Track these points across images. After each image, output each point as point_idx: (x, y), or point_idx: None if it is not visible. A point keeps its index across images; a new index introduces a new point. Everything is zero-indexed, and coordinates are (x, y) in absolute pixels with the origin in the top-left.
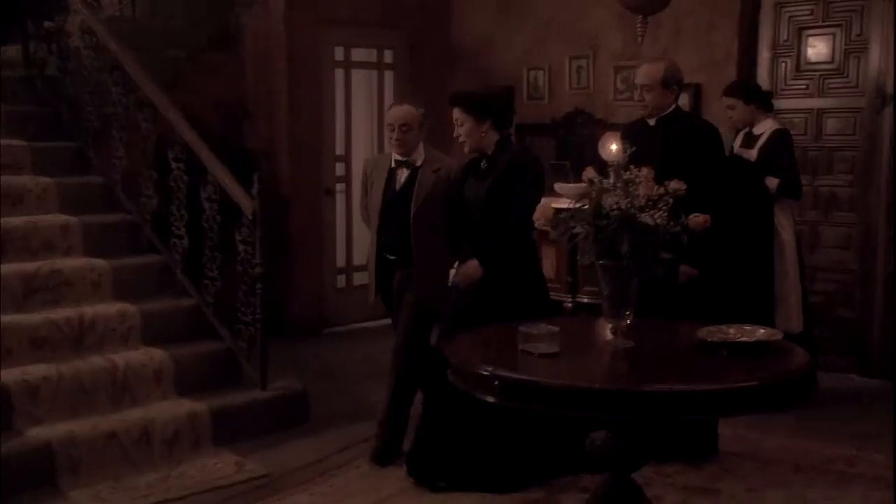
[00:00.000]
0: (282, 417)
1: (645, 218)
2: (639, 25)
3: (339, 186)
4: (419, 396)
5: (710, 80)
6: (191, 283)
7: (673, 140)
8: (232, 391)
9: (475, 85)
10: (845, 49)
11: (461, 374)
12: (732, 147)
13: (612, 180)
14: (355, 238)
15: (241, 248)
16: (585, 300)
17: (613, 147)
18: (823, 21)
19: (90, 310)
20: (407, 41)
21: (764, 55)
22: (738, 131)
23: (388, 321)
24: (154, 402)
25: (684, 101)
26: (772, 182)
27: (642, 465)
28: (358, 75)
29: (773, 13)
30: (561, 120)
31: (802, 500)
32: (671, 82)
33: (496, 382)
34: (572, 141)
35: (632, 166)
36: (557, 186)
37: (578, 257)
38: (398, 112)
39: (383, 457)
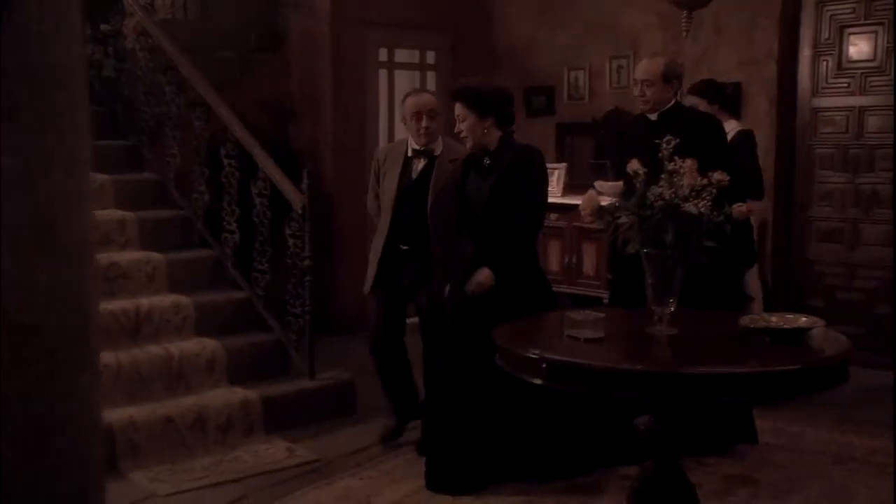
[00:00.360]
0: (329, 407)
1: (689, 207)
2: (684, 21)
3: None
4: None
5: (750, 78)
6: (241, 276)
7: (676, 134)
8: (281, 381)
9: (517, 85)
10: (887, 47)
11: (508, 357)
12: None
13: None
14: None
15: (290, 241)
16: None
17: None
18: (865, 19)
19: (146, 301)
20: (449, 42)
21: (805, 53)
22: None
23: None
24: (207, 389)
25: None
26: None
27: (686, 451)
28: (401, 76)
29: (815, 12)
30: (601, 119)
31: (842, 490)
32: (671, 76)
33: (544, 365)
34: (612, 140)
35: (676, 157)
36: (598, 185)
37: (619, 246)
38: (425, 99)
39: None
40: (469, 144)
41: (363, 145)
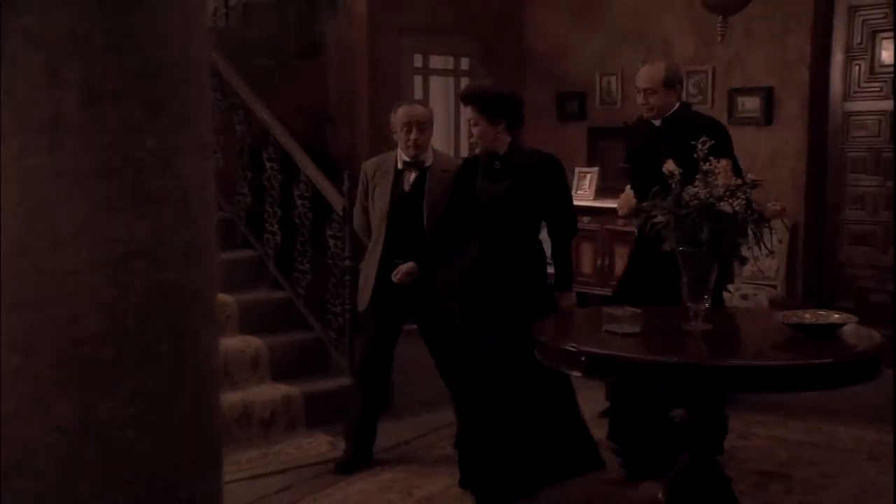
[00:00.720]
0: None
1: (724, 206)
2: (718, 25)
3: None
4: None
5: (781, 83)
6: (283, 276)
7: (679, 138)
8: (322, 378)
9: (549, 90)
10: None
11: (548, 351)
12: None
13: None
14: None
15: (331, 242)
16: None
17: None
18: None
19: None
20: (483, 48)
21: (837, 58)
22: None
23: None
24: (252, 385)
25: (756, 104)
26: None
27: (721, 444)
28: (435, 82)
29: (847, 16)
30: (632, 124)
31: (875, 487)
32: (673, 81)
33: (583, 358)
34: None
35: (711, 158)
36: (630, 188)
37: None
38: (417, 111)
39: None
40: (479, 149)
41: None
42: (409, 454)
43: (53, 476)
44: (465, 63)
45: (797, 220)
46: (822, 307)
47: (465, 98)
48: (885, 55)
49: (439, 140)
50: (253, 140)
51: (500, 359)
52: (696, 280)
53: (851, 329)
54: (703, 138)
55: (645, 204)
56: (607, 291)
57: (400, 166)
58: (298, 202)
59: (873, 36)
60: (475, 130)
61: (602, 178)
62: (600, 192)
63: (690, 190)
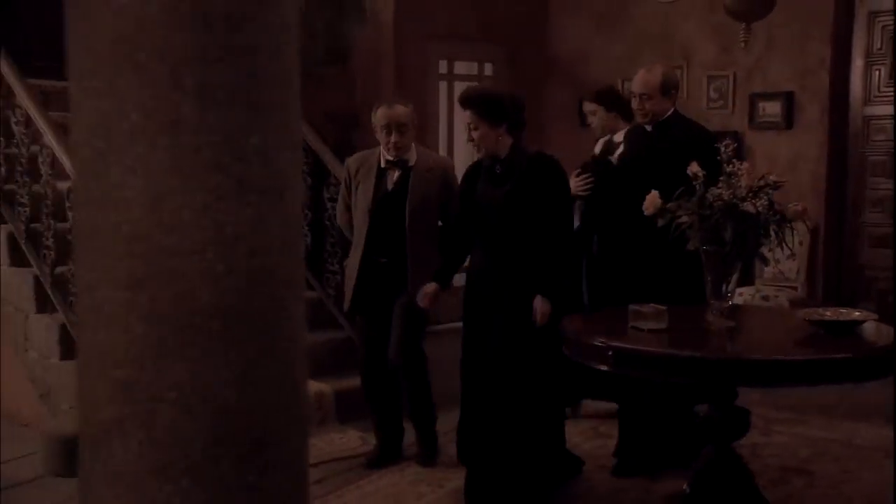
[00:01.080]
0: None
1: (747, 206)
2: (742, 32)
3: None
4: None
5: (802, 88)
6: (313, 276)
7: (670, 144)
8: (352, 375)
9: (572, 95)
10: None
11: (576, 346)
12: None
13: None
14: None
15: None
16: None
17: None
18: None
19: None
20: (506, 54)
21: (857, 63)
22: (597, 139)
23: None
24: None
25: (777, 109)
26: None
27: (743, 436)
28: (460, 87)
29: (867, 22)
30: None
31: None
32: (670, 87)
33: (610, 353)
34: None
35: (735, 160)
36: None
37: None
38: (397, 112)
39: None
40: (481, 153)
41: None
42: (439, 448)
43: (170, 431)
44: (488, 69)
45: (817, 223)
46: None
47: (464, 102)
48: None
49: (460, 145)
50: None
51: (502, 362)
52: (720, 278)
53: (871, 326)
54: (727, 141)
55: (670, 204)
56: None
57: (383, 165)
58: (328, 204)
59: (893, 42)
60: (475, 134)
61: None
62: None
63: (714, 191)
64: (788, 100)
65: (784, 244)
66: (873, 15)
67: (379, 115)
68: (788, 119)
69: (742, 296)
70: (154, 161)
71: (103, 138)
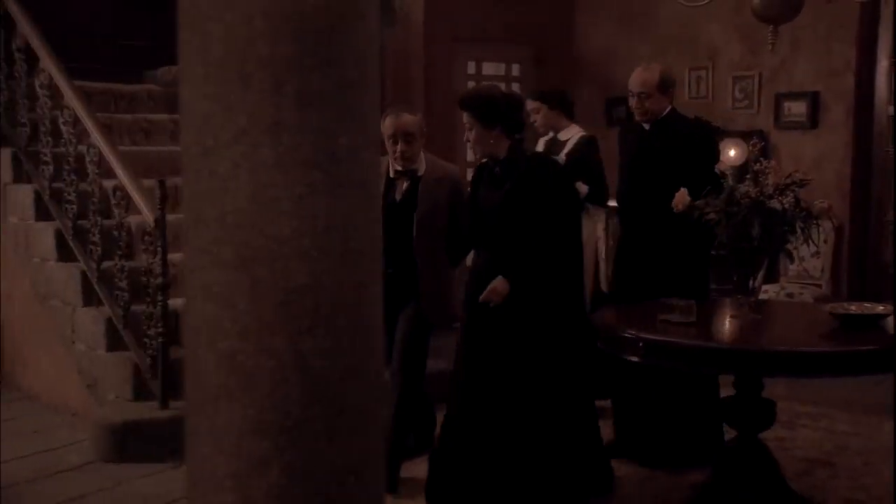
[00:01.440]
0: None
1: (773, 203)
2: (769, 34)
3: None
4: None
5: (827, 88)
6: None
7: (667, 142)
8: None
9: (598, 95)
10: None
11: (608, 338)
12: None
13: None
14: None
15: None
16: None
17: (732, 153)
18: None
19: None
20: (533, 54)
21: (882, 64)
22: (539, 137)
23: None
24: None
25: (802, 109)
26: (581, 188)
27: (769, 427)
28: None
29: (892, 24)
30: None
31: None
32: (667, 85)
33: (640, 344)
34: None
35: (762, 159)
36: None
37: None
38: (404, 121)
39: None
40: (477, 154)
41: (452, 153)
42: None
43: (269, 398)
44: (516, 69)
45: (842, 222)
46: None
47: (460, 103)
48: None
49: None
50: None
51: (504, 366)
52: (746, 273)
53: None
54: (754, 140)
55: (698, 202)
56: None
57: (392, 174)
58: None
59: None
60: (470, 135)
61: None
62: None
63: (742, 188)
64: (814, 100)
65: (810, 240)
66: None
67: (386, 124)
68: (814, 119)
69: (767, 293)
70: (257, 158)
71: (212, 137)
